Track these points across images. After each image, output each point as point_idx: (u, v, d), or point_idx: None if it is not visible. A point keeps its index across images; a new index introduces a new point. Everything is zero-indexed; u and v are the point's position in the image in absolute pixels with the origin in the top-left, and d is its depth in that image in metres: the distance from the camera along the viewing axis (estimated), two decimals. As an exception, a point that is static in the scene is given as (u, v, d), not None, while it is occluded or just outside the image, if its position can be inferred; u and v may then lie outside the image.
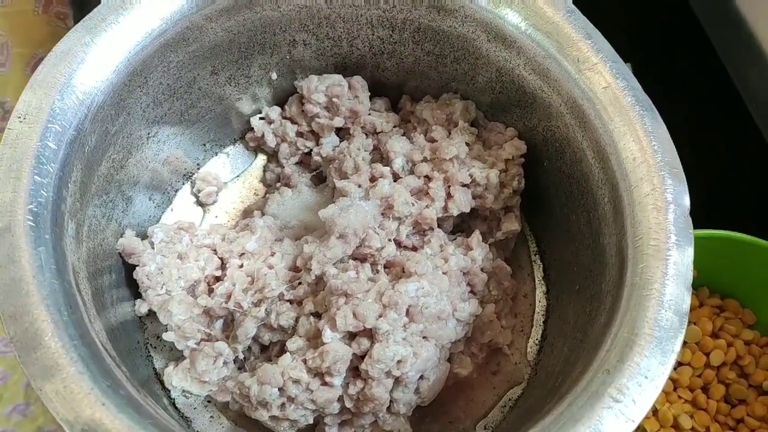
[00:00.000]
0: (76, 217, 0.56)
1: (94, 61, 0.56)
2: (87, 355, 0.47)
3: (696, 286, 0.76)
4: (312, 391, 0.59)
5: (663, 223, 0.53)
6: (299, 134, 0.75)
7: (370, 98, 0.74)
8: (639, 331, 0.49)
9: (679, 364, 0.72)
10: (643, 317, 0.50)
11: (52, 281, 0.49)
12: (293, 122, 0.75)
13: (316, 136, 0.74)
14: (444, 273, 0.63)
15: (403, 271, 0.62)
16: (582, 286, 0.63)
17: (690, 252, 0.52)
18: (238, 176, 0.77)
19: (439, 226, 0.67)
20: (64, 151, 0.53)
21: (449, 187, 0.67)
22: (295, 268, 0.64)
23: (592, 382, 0.49)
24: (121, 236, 0.65)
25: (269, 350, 0.64)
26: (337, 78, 0.72)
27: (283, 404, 0.59)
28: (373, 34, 0.69)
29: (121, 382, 0.49)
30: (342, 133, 0.75)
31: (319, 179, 0.74)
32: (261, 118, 0.76)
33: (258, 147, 0.77)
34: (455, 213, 0.67)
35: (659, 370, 0.48)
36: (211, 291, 0.64)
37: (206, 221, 0.74)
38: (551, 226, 0.71)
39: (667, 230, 0.52)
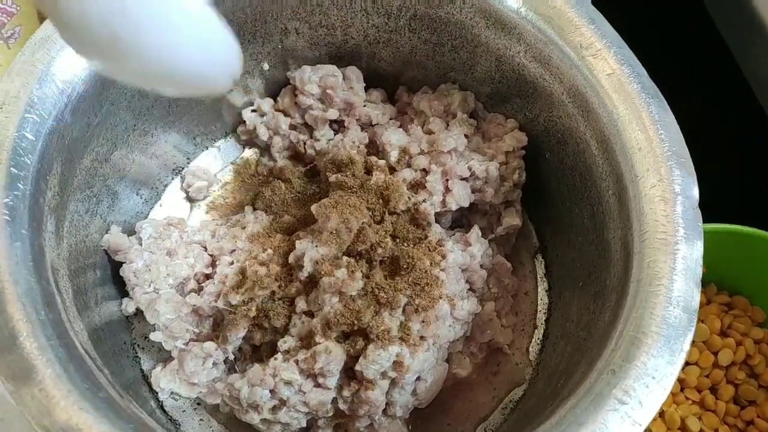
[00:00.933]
0: (56, 211, 0.53)
1: (75, 49, 0.54)
2: (65, 356, 0.45)
3: (703, 282, 0.73)
4: (305, 393, 0.57)
5: (671, 216, 0.50)
6: (292, 127, 0.72)
7: (366, 89, 0.72)
8: (646, 330, 0.47)
9: (686, 363, 0.70)
10: (650, 314, 0.47)
11: (29, 278, 0.46)
12: (286, 114, 0.72)
13: (309, 129, 0.72)
14: (442, 270, 0.60)
15: (399, 268, 0.60)
16: (586, 283, 0.61)
17: (699, 246, 0.50)
18: (229, 171, 0.74)
19: (436, 221, 0.65)
20: (42, 142, 0.51)
21: (447, 180, 0.64)
22: (287, 266, 0.61)
23: (596, 383, 0.46)
24: (107, 232, 0.63)
25: (260, 351, 0.62)
26: (332, 68, 0.70)
27: (274, 407, 0.57)
28: (368, 22, 0.67)
29: (101, 384, 0.47)
30: (336, 125, 0.72)
31: (313, 173, 0.72)
32: (253, 111, 0.73)
33: (250, 140, 0.75)
34: (454, 207, 0.64)
35: (667, 370, 0.46)
36: (200, 289, 0.62)
37: (196, 217, 0.72)
38: (553, 220, 0.69)
39: (675, 223, 0.50)
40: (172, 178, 0.72)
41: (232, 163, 0.75)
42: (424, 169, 0.65)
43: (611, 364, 0.46)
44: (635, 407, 0.44)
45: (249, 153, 0.75)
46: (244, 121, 0.73)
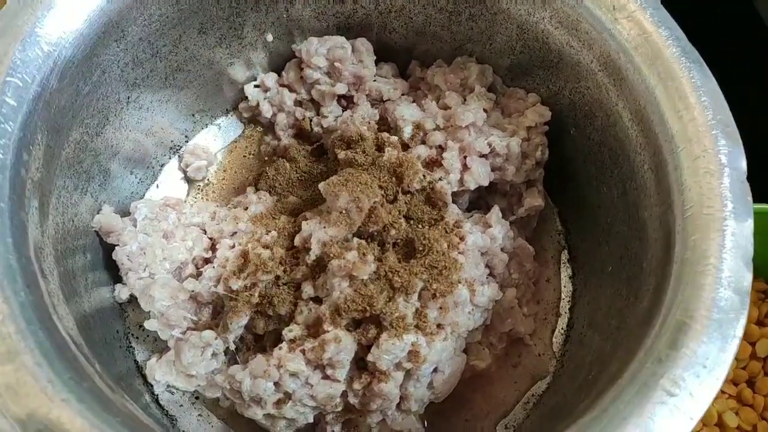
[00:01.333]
0: (41, 186, 0.49)
1: (62, 8, 0.50)
2: (47, 343, 0.41)
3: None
4: (312, 386, 0.53)
5: (717, 189, 0.46)
6: (298, 103, 0.68)
7: (376, 63, 0.67)
8: (694, 314, 0.42)
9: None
10: (698, 297, 0.43)
11: (7, 256, 0.42)
12: (291, 90, 0.68)
13: (316, 105, 0.68)
14: (460, 253, 0.56)
15: (414, 251, 0.55)
16: (616, 267, 0.57)
17: (750, 222, 0.45)
18: (230, 150, 0.70)
19: (453, 202, 0.60)
20: (25, 108, 0.47)
21: (465, 157, 0.60)
22: (293, 248, 0.57)
23: (639, 373, 0.42)
24: (98, 212, 0.58)
25: (264, 340, 0.58)
26: (340, 40, 0.65)
27: (279, 401, 0.53)
28: (379, -11, 0.62)
29: (87, 374, 0.42)
30: (345, 101, 0.68)
31: (320, 152, 0.68)
32: (256, 86, 0.69)
33: (252, 118, 0.71)
34: (472, 186, 0.60)
35: (720, 358, 0.41)
36: (199, 274, 0.58)
37: (195, 198, 0.67)
38: (578, 201, 0.64)
39: (722, 197, 0.45)
40: (170, 157, 0.68)
41: (233, 141, 0.70)
42: (440, 146, 0.61)
43: (656, 352, 0.42)
44: (685, 399, 0.40)
45: (251, 131, 0.71)
46: (246, 97, 0.69)
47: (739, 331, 0.42)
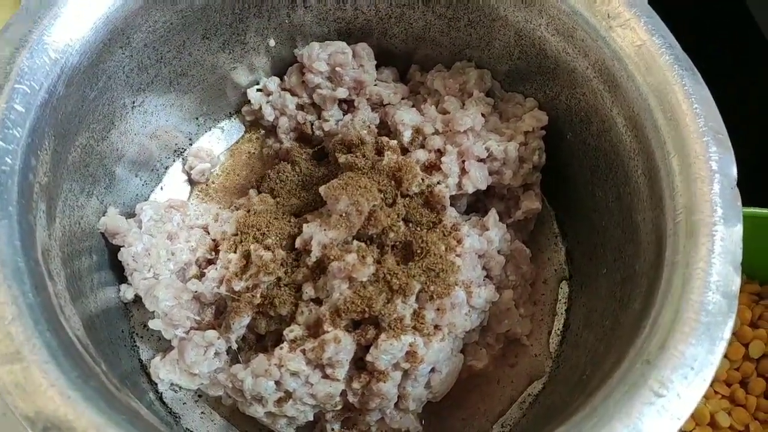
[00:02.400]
0: (48, 190, 0.50)
1: (69, 16, 0.51)
2: (54, 342, 0.42)
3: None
4: (312, 385, 0.54)
5: (707, 195, 0.47)
6: (299, 107, 0.69)
7: (377, 68, 0.68)
8: (683, 316, 0.43)
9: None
10: (687, 300, 0.44)
11: (15, 258, 0.43)
12: (293, 94, 0.69)
13: (317, 109, 0.69)
14: (458, 255, 0.57)
15: (413, 253, 0.56)
16: (611, 269, 0.58)
17: (739, 228, 0.46)
18: (233, 152, 0.71)
19: (451, 205, 0.61)
20: (33, 114, 0.48)
21: (464, 161, 0.61)
22: (294, 250, 0.58)
23: (629, 373, 0.43)
24: (103, 214, 0.59)
25: (265, 340, 0.59)
26: (341, 45, 0.66)
27: (280, 399, 0.54)
28: (379, -5, 0.63)
29: (93, 373, 0.43)
30: (345, 105, 0.69)
31: (321, 155, 0.69)
32: (258, 90, 0.70)
33: (255, 121, 0.72)
34: (470, 190, 0.61)
35: (707, 359, 0.42)
36: (202, 275, 0.59)
37: (198, 200, 0.68)
38: (574, 205, 0.65)
39: (712, 203, 0.46)
40: (174, 160, 0.69)
41: (235, 144, 0.71)
42: (438, 150, 0.62)
43: (645, 354, 0.43)
44: (673, 400, 0.41)
45: (254, 134, 0.72)
46: (249, 101, 0.70)
47: (727, 334, 0.43)
